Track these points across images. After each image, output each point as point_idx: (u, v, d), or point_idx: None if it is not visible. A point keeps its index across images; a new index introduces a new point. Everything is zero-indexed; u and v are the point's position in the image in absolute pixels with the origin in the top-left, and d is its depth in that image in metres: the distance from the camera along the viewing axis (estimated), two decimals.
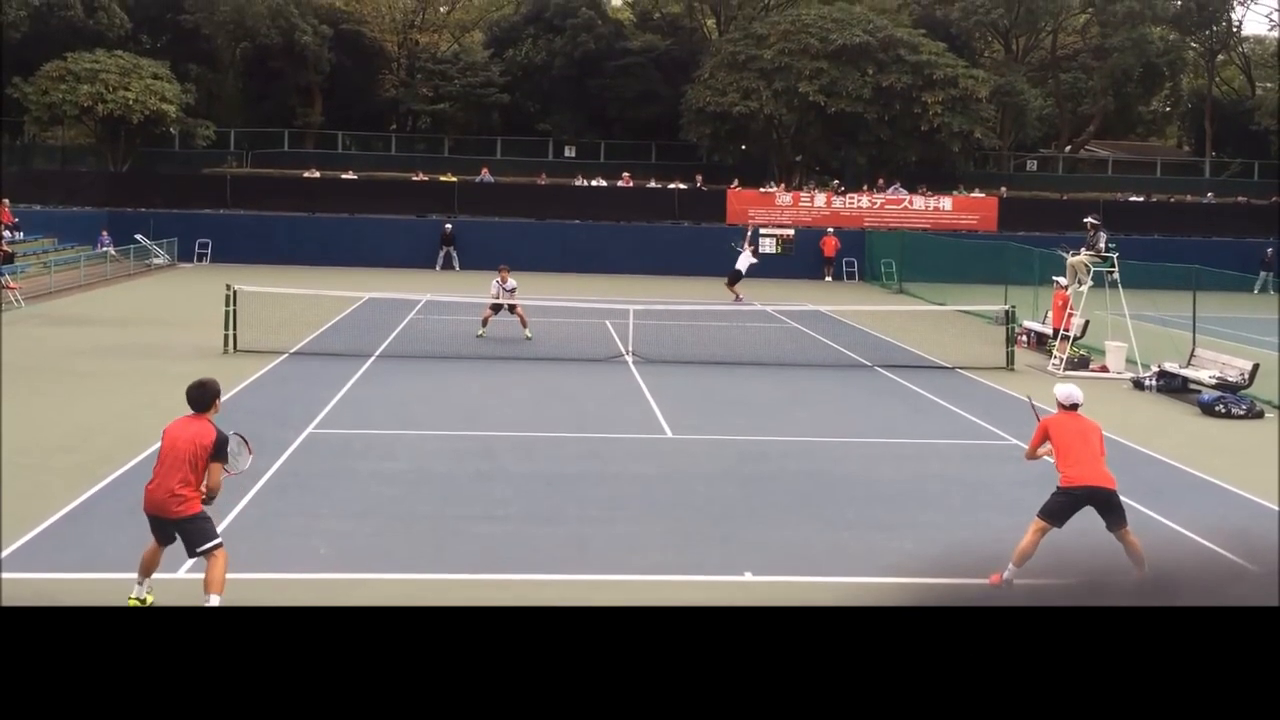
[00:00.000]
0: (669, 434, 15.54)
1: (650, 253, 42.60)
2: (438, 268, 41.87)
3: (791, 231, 44.24)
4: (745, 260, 33.37)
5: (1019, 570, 9.27)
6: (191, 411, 8.73)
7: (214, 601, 8.25)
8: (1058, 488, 9.64)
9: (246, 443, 9.03)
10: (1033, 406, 11.29)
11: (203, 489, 8.55)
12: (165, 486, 8.49)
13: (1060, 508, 9.51)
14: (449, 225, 42.66)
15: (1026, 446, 10.52)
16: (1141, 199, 49.44)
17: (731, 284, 33.11)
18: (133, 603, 8.54)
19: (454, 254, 42.42)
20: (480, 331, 24.18)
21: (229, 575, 8.38)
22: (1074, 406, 10.02)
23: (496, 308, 24.47)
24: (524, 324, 24.31)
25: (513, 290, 24.59)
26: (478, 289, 26.38)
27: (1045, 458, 10.08)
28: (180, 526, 8.51)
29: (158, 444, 13.56)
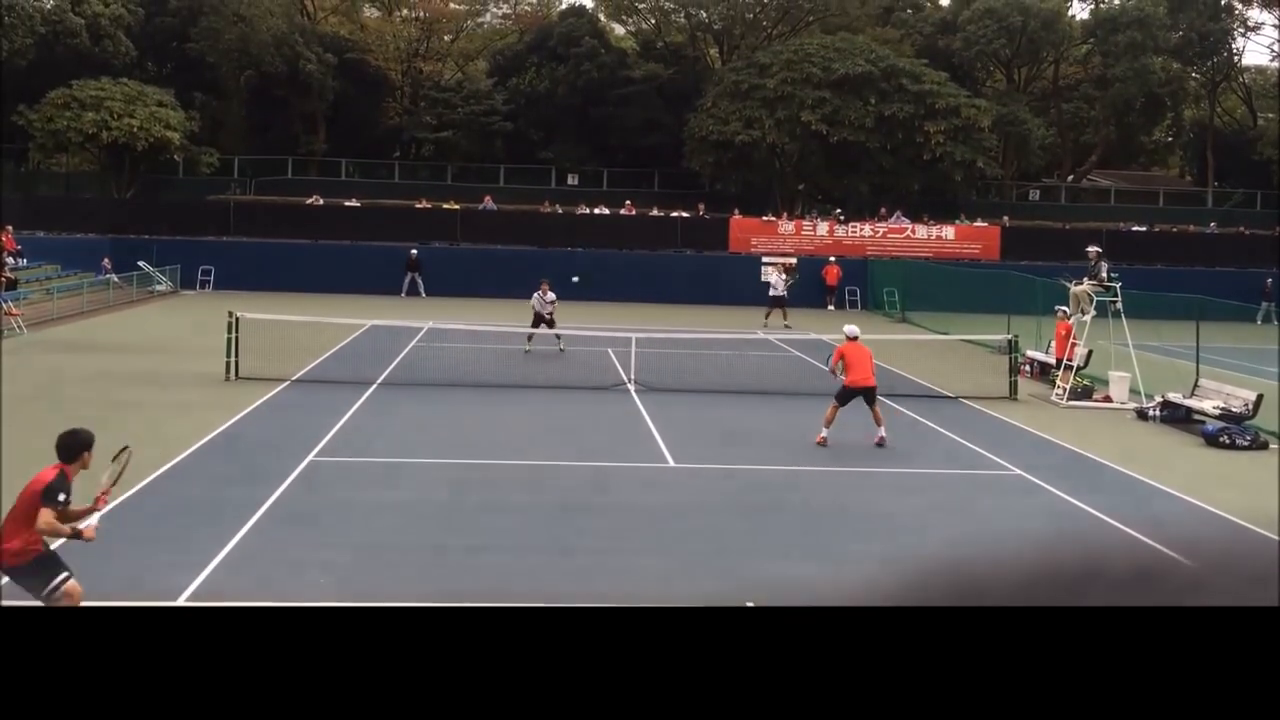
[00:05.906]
0: (671, 463, 15.48)
1: (652, 281, 42.62)
2: (403, 294, 41.81)
3: (794, 260, 44.29)
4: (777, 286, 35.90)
5: (829, 431, 16.29)
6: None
7: None
8: (844, 385, 16.46)
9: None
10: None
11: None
12: None
13: (846, 396, 16.40)
14: (414, 251, 42.64)
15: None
16: (1144, 229, 49.50)
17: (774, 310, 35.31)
18: None
19: (419, 280, 42.35)
20: (527, 347, 26.05)
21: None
22: (855, 338, 16.80)
23: (538, 320, 25.88)
24: (558, 336, 26.30)
25: (552, 302, 26.16)
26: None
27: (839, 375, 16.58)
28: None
29: (156, 472, 13.58)
